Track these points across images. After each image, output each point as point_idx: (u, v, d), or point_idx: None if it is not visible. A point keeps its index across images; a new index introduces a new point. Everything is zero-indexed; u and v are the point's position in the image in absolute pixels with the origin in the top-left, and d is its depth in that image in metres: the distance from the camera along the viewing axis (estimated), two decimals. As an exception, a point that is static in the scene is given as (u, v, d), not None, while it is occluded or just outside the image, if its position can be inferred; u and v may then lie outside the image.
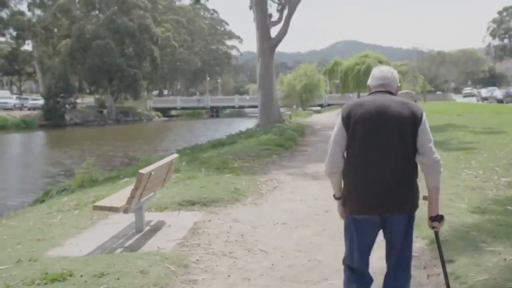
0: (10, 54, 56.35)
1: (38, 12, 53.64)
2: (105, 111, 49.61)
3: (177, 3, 76.72)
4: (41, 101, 46.16)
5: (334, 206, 2.77)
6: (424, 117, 2.50)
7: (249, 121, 35.14)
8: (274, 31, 22.57)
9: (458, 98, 55.51)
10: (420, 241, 4.27)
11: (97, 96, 53.78)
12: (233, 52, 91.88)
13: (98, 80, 47.89)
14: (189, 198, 6.24)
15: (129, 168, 11.48)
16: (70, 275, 3.48)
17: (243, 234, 4.91)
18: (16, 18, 49.53)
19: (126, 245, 4.66)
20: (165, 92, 78.78)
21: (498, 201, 5.58)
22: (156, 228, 5.17)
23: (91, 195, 7.20)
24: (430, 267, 3.76)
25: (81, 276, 3.48)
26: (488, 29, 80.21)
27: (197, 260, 4.13)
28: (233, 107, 63.93)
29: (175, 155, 6.04)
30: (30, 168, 18.55)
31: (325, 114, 36.16)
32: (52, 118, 43.29)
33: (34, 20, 51.90)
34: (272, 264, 4.02)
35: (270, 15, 23.16)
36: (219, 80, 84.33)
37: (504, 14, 78.25)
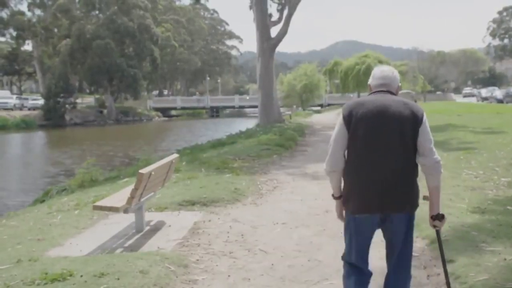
0: (10, 54, 56.38)
1: (38, 12, 53.72)
2: (105, 111, 49.63)
3: (177, 3, 76.78)
4: (41, 101, 46.19)
5: (333, 206, 2.77)
6: (425, 117, 2.50)
7: (249, 121, 35.12)
8: (274, 31, 22.60)
9: (458, 98, 55.44)
10: (420, 241, 4.27)
11: (97, 96, 53.80)
12: (233, 52, 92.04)
13: (98, 80, 47.93)
14: (189, 198, 6.24)
15: (129, 168, 11.48)
16: (70, 275, 3.48)
17: (243, 234, 4.91)
18: (16, 18, 49.57)
19: (126, 245, 4.66)
20: (165, 92, 78.79)
21: (498, 201, 5.58)
22: (156, 228, 5.17)
23: (91, 195, 7.20)
24: (430, 267, 3.76)
25: (81, 276, 3.47)
26: (488, 29, 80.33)
27: (197, 260, 4.13)
28: (233, 107, 63.91)
29: (175, 155, 6.04)
30: (30, 168, 18.55)
31: (325, 114, 36.12)
32: (52, 118, 43.31)
33: (34, 20, 51.93)
34: (272, 264, 4.02)
35: (270, 15, 23.15)
36: (219, 80, 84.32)
37: (504, 14, 78.28)
